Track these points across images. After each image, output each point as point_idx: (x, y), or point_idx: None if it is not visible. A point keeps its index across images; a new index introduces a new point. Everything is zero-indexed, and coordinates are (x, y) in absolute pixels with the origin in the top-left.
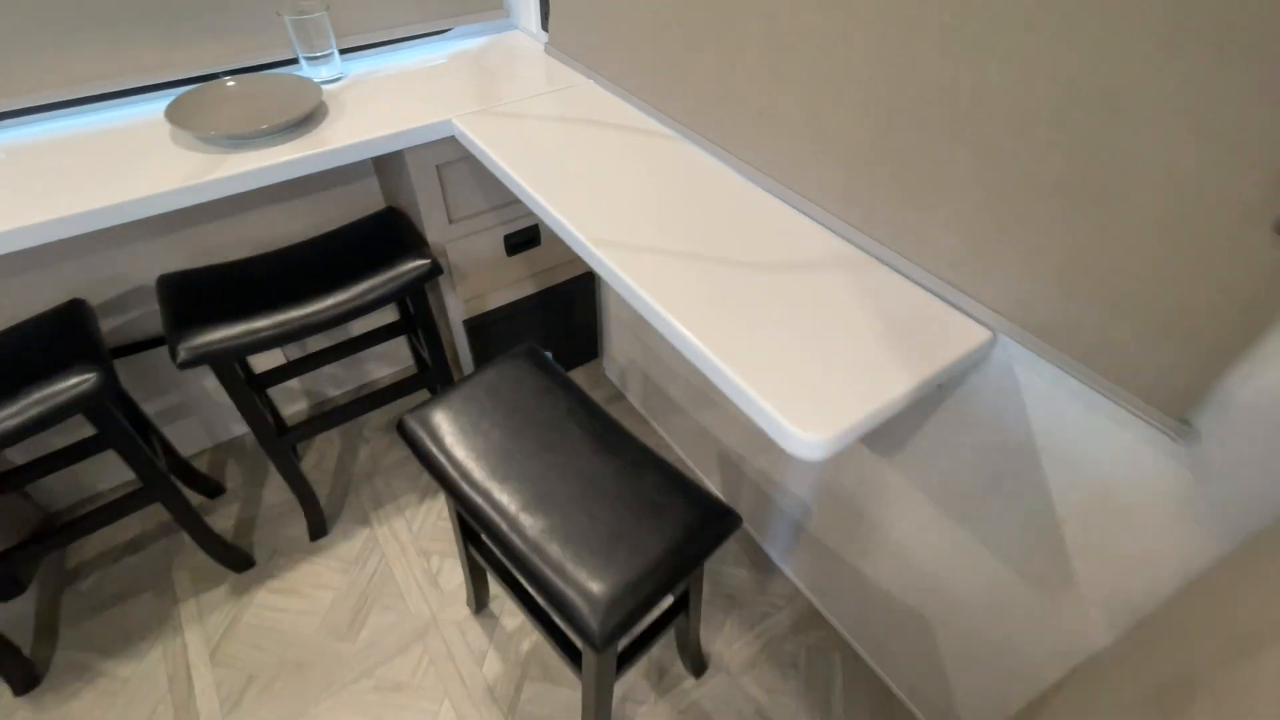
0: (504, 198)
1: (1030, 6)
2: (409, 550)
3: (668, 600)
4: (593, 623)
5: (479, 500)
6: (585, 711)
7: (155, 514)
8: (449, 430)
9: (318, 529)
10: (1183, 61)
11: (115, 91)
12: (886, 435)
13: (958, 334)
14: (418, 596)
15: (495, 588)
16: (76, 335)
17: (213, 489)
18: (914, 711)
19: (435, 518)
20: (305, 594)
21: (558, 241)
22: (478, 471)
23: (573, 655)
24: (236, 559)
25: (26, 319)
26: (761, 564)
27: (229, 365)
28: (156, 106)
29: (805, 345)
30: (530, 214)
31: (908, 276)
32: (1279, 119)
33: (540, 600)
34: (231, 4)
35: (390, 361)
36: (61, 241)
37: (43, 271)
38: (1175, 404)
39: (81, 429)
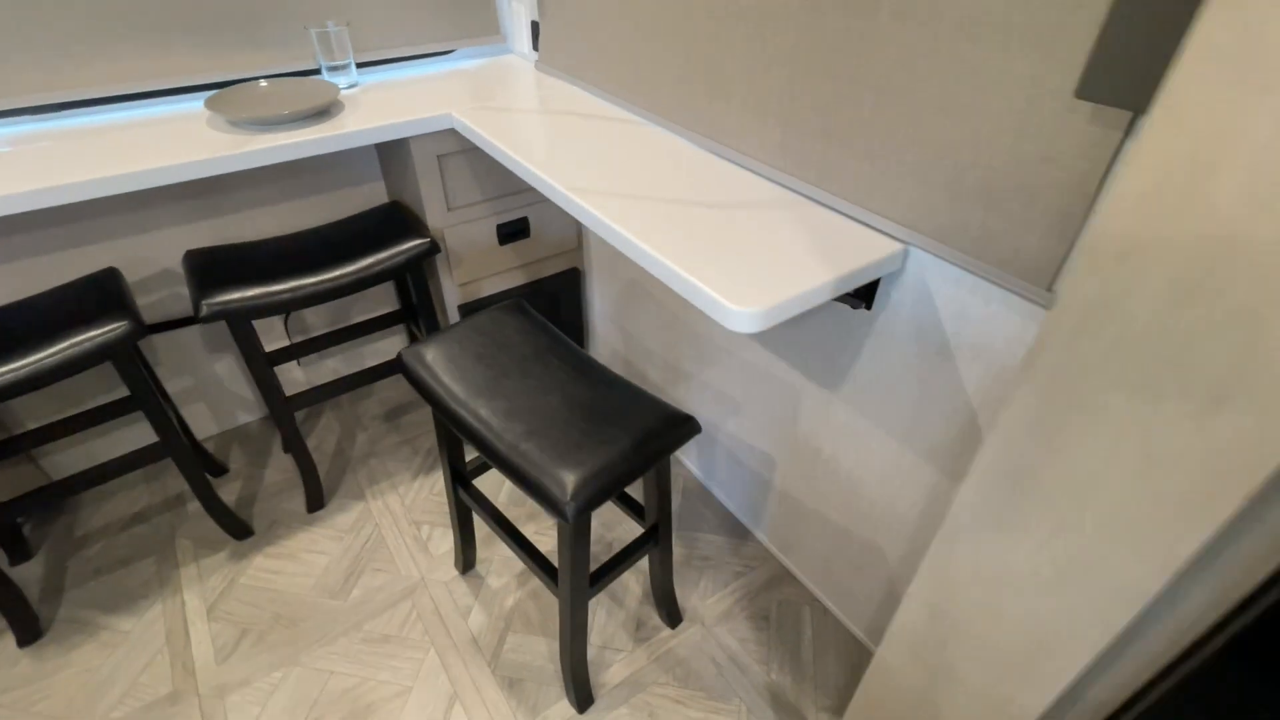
0: (498, 190)
1: None
2: (401, 520)
3: (638, 532)
4: (565, 496)
5: (464, 413)
6: (561, 605)
7: (161, 488)
8: (439, 359)
9: (315, 501)
10: None
11: (164, 90)
12: (830, 368)
13: (874, 245)
14: (408, 560)
15: (483, 551)
16: (111, 295)
17: (217, 469)
18: (875, 651)
19: (427, 492)
20: (301, 559)
21: (546, 234)
22: (463, 391)
23: (551, 574)
24: (237, 526)
25: (68, 281)
26: (736, 531)
27: (246, 325)
28: (197, 104)
29: (744, 254)
30: (521, 206)
31: (835, 210)
32: (1065, 24)
33: (520, 488)
34: (265, 19)
35: (388, 355)
36: (100, 222)
37: (81, 249)
38: (1044, 276)
39: (105, 393)
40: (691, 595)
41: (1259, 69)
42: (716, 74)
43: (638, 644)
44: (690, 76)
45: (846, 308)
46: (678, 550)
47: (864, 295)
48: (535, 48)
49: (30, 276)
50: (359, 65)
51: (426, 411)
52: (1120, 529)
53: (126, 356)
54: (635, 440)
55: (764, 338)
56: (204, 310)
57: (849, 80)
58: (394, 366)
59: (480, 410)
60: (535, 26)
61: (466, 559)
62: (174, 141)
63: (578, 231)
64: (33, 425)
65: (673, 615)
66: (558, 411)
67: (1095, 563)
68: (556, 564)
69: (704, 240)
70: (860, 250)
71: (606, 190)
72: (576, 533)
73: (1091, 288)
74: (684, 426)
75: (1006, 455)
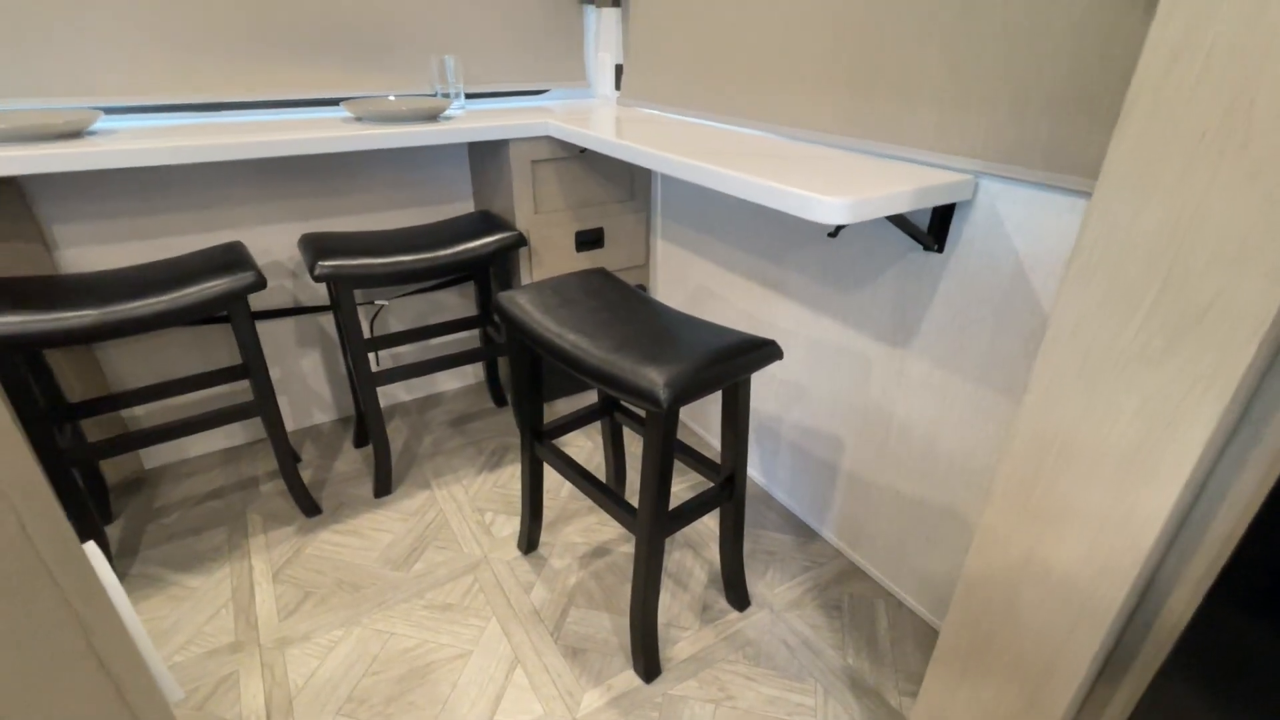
0: (579, 200)
1: None
2: (465, 508)
3: (711, 492)
4: (658, 387)
5: (555, 339)
6: (639, 540)
7: (236, 472)
8: (531, 301)
9: (383, 487)
10: None
11: (310, 100)
12: (902, 324)
13: (946, 179)
14: (471, 540)
15: (546, 535)
16: (238, 258)
17: (293, 457)
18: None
19: (491, 485)
20: (365, 535)
21: (618, 247)
22: (554, 323)
23: (630, 513)
24: (307, 503)
25: (202, 249)
26: (801, 530)
27: (349, 292)
28: (338, 112)
29: (830, 177)
30: (598, 217)
31: (910, 160)
32: None
33: (613, 391)
34: (396, 48)
35: (458, 376)
36: (229, 211)
37: (212, 233)
38: None
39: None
40: (759, 584)
41: None
42: (785, 65)
43: (704, 624)
44: (762, 77)
45: (919, 254)
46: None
47: (937, 237)
48: (618, 87)
49: (168, 251)
50: (467, 95)
51: (491, 419)
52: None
53: (244, 310)
54: (718, 353)
55: (833, 307)
56: (318, 271)
57: (915, 38)
58: (477, 352)
59: (569, 335)
60: (619, 69)
61: (531, 538)
62: (314, 130)
63: (646, 247)
64: (134, 385)
65: (741, 597)
66: (643, 335)
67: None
68: (635, 505)
69: (793, 171)
70: (933, 181)
71: (704, 154)
72: (667, 425)
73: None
74: (766, 348)
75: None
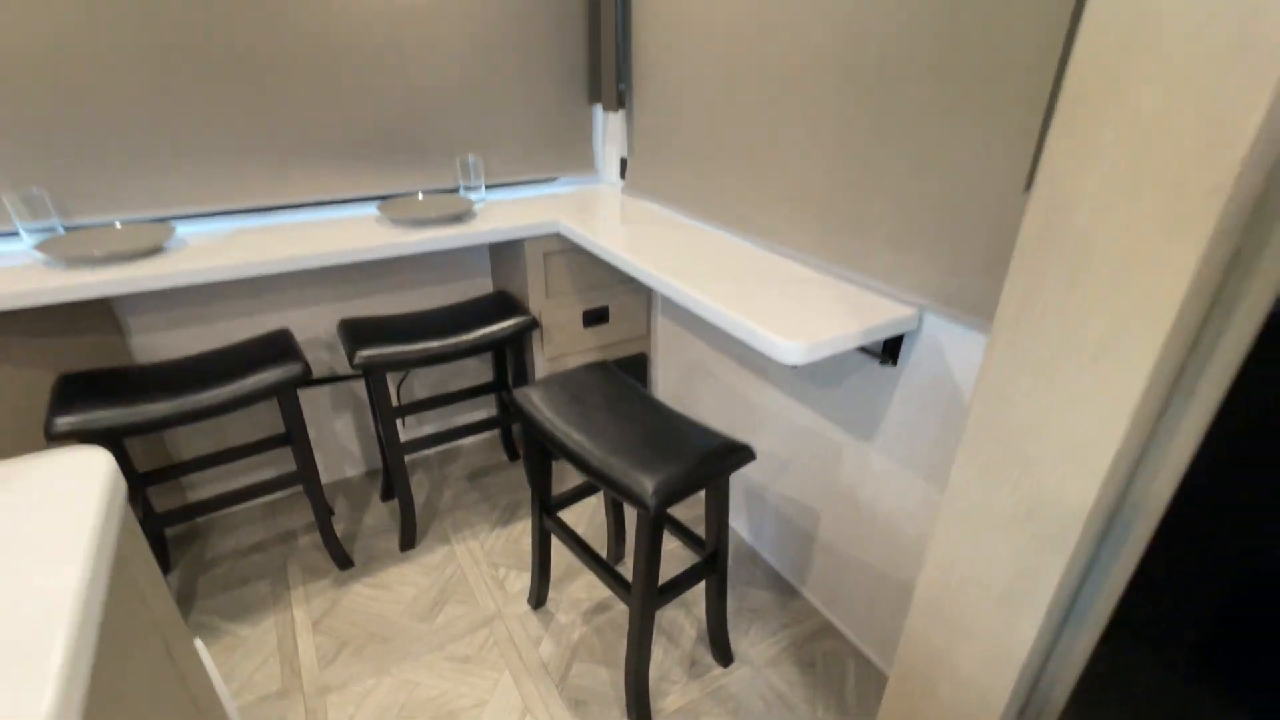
0: (586, 284)
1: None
2: (481, 563)
3: (696, 563)
4: (647, 493)
5: (562, 437)
6: (631, 613)
7: (276, 526)
8: (543, 398)
9: (408, 541)
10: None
11: (348, 199)
12: (866, 421)
13: (894, 310)
14: (486, 595)
15: (554, 592)
16: (286, 347)
17: (327, 510)
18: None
19: (504, 541)
20: (393, 589)
21: (621, 322)
22: (561, 421)
23: (624, 586)
24: (341, 557)
25: (253, 336)
26: (784, 588)
27: (381, 376)
28: (371, 208)
29: (792, 311)
30: (603, 297)
31: (866, 287)
32: (984, 138)
33: (609, 490)
34: (424, 150)
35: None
36: (274, 296)
37: (263, 315)
38: None
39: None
40: (742, 641)
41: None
42: (771, 185)
43: (692, 679)
44: (748, 193)
45: (877, 365)
46: (729, 602)
47: (891, 353)
48: (622, 177)
49: (224, 335)
50: (486, 186)
51: (505, 474)
52: (1061, 454)
53: (293, 395)
54: (701, 457)
55: (809, 398)
56: (356, 359)
57: (873, 190)
58: (490, 422)
59: (574, 434)
60: (624, 162)
61: (540, 595)
62: (353, 231)
63: (647, 321)
64: (189, 456)
65: (725, 654)
66: (637, 436)
67: (1049, 487)
68: (630, 578)
69: (761, 301)
70: (883, 313)
71: (684, 271)
72: (655, 525)
73: (1020, 286)
74: (741, 452)
75: (981, 422)
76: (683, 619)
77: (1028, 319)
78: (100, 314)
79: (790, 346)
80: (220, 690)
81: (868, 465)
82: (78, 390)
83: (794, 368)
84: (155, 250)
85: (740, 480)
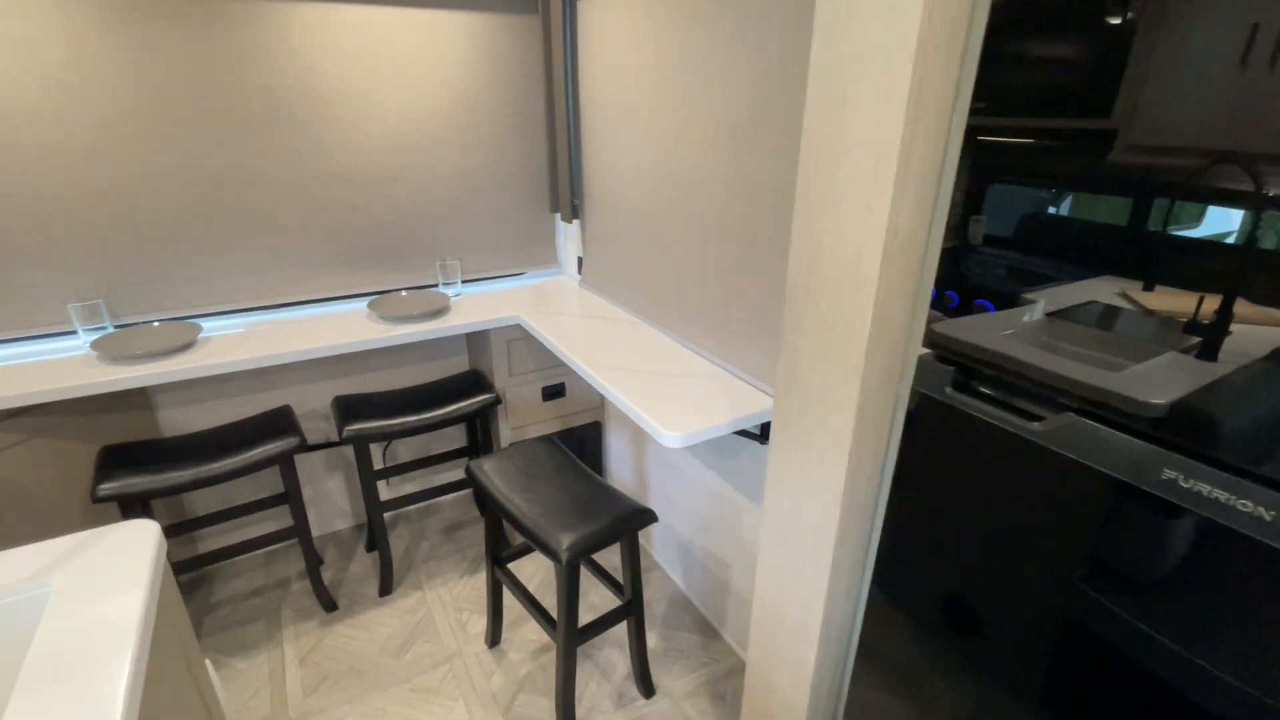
0: (545, 363)
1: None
2: (448, 607)
3: (616, 604)
4: (561, 548)
5: (504, 501)
6: (557, 650)
7: (273, 573)
8: (493, 468)
9: (386, 587)
10: None
11: (336, 296)
12: (755, 487)
13: (760, 402)
14: (449, 635)
15: (507, 633)
16: (286, 423)
17: (317, 560)
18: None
19: (469, 589)
20: (370, 629)
21: (576, 395)
22: (506, 487)
23: (551, 624)
24: (327, 601)
25: (260, 412)
26: (707, 630)
27: (365, 446)
28: (361, 304)
29: (682, 402)
30: (560, 375)
31: (746, 380)
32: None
33: (535, 546)
34: (407, 255)
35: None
36: (278, 375)
37: (269, 393)
38: None
39: (252, 495)
40: (665, 676)
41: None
42: (677, 294)
43: (618, 708)
44: (664, 295)
45: (757, 444)
46: (659, 642)
47: (764, 435)
48: (580, 272)
49: (237, 409)
50: (464, 280)
51: (477, 528)
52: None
53: (291, 463)
54: (611, 520)
55: (718, 467)
56: (345, 433)
57: (739, 301)
58: (463, 482)
59: (514, 498)
60: (580, 260)
61: (494, 635)
62: (343, 325)
63: (599, 396)
64: (203, 512)
65: (647, 687)
66: (565, 502)
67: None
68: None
69: (660, 391)
70: (752, 404)
71: (603, 362)
72: (569, 576)
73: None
74: (644, 515)
75: (772, 503)
76: (616, 657)
77: (785, 436)
78: (136, 394)
79: (671, 436)
80: (223, 703)
81: (750, 519)
82: (116, 460)
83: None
84: (186, 346)
85: (674, 536)
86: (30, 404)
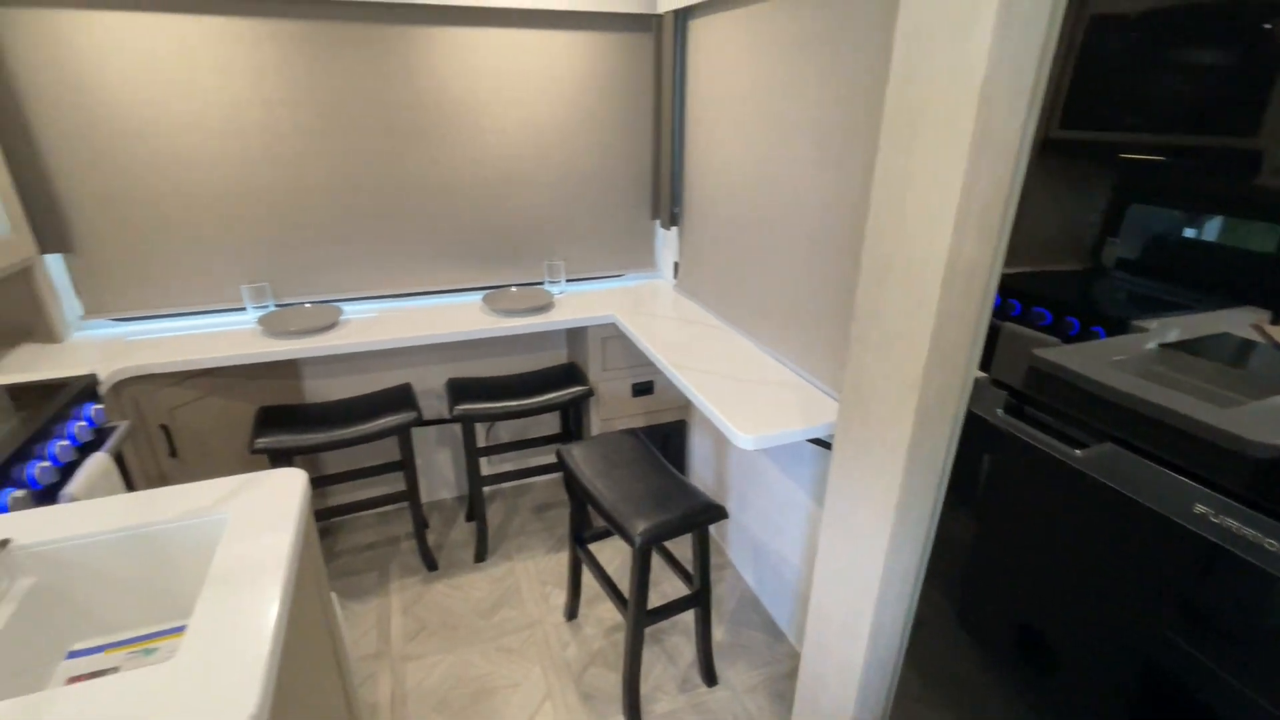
0: (636, 361)
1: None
2: (533, 580)
3: (685, 592)
4: (635, 532)
5: (588, 484)
6: (627, 629)
7: (385, 531)
8: (580, 453)
9: (480, 554)
10: None
11: (455, 289)
12: (823, 485)
13: (834, 411)
14: (533, 604)
15: (584, 609)
16: (406, 398)
17: (423, 523)
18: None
19: (553, 564)
20: (464, 590)
21: (664, 393)
22: (590, 472)
23: (623, 602)
24: (429, 561)
25: (384, 389)
26: (774, 633)
27: (471, 425)
28: (476, 297)
29: (759, 406)
30: (650, 373)
31: (827, 393)
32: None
33: (612, 528)
34: (520, 255)
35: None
36: (402, 356)
37: (393, 370)
38: None
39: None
40: (729, 670)
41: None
42: (768, 304)
43: (681, 692)
44: (752, 303)
45: (828, 451)
46: (726, 636)
47: None
48: (675, 277)
49: (367, 383)
50: (567, 279)
51: (564, 511)
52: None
53: (408, 435)
54: (683, 512)
55: (793, 473)
56: (455, 411)
57: (833, 318)
58: (554, 466)
59: (598, 483)
60: (676, 265)
61: (572, 609)
62: (457, 316)
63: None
64: (331, 470)
65: (710, 676)
66: (642, 491)
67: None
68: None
69: (740, 395)
70: (827, 414)
71: (688, 364)
72: (641, 559)
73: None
74: (715, 510)
75: (832, 510)
76: (683, 645)
77: (847, 445)
78: (288, 364)
79: (745, 438)
80: (344, 633)
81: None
82: (270, 419)
83: (758, 450)
84: (331, 326)
85: (748, 536)
86: (210, 367)
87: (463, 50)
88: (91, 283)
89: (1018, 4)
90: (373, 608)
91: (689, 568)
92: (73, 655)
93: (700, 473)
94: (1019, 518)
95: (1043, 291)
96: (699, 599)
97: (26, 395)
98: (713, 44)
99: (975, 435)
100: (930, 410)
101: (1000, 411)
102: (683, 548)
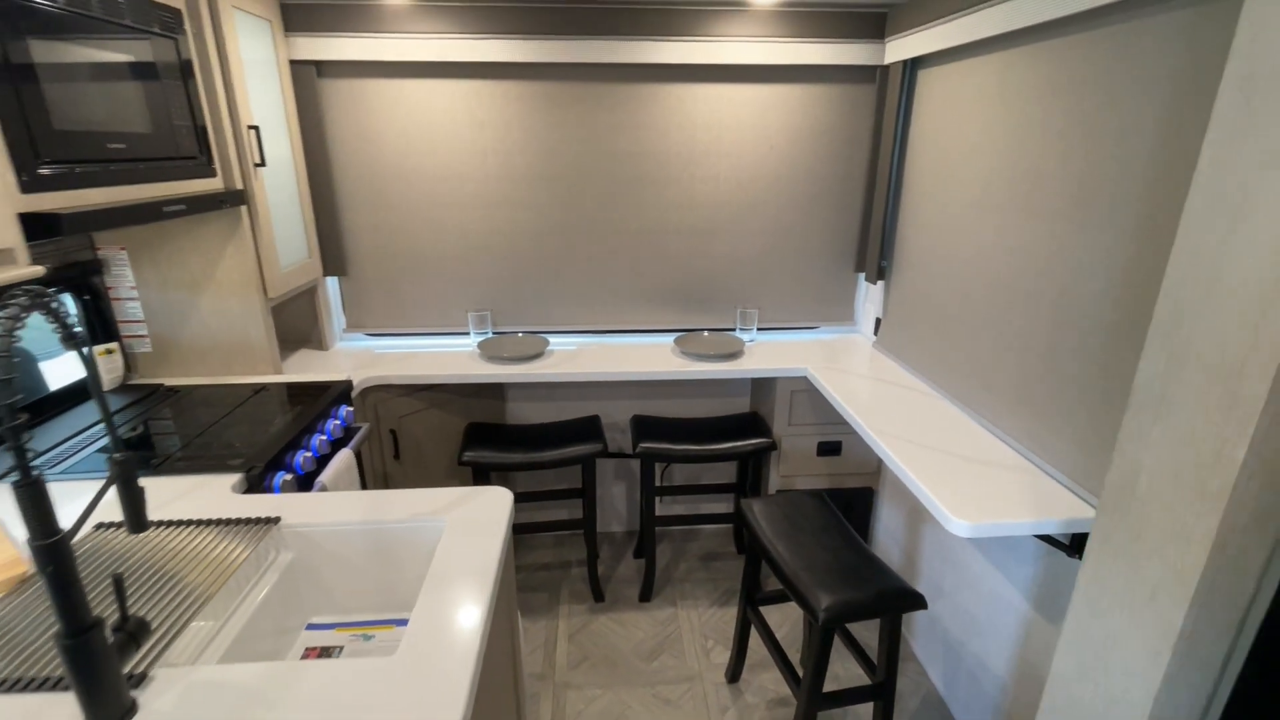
0: (824, 419)
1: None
2: (696, 630)
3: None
4: (820, 606)
5: (769, 545)
6: (799, 698)
7: (559, 555)
8: (762, 510)
9: (646, 594)
10: None
11: (649, 330)
12: (1051, 603)
13: (1074, 510)
14: (694, 657)
15: (748, 674)
16: (595, 429)
17: (595, 555)
18: None
19: (717, 619)
20: (628, 627)
21: (852, 456)
22: (771, 532)
23: (795, 680)
24: (597, 592)
25: (573, 419)
26: None
27: (651, 463)
28: (668, 339)
29: (975, 486)
30: (839, 433)
31: (1059, 480)
32: None
33: (792, 597)
34: (712, 302)
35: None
36: (598, 387)
37: (584, 402)
38: None
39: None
40: None
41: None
42: (988, 376)
43: None
44: (970, 370)
45: (1063, 554)
46: None
47: (1079, 547)
48: (875, 334)
49: (557, 411)
50: (758, 328)
51: (730, 563)
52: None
53: (592, 465)
54: (876, 593)
55: (1005, 567)
56: (639, 449)
57: (1078, 397)
58: (726, 516)
59: (779, 544)
60: (878, 321)
61: (735, 671)
62: (656, 356)
63: (878, 461)
64: (520, 490)
65: None
66: (829, 562)
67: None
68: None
69: (951, 472)
70: (1062, 507)
71: (892, 431)
72: (823, 637)
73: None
74: (913, 598)
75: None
76: None
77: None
78: (497, 386)
79: (960, 523)
80: (523, 648)
81: (1052, 647)
82: (476, 435)
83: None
84: (538, 355)
85: (939, 630)
86: (436, 383)
87: (686, 103)
88: (354, 301)
89: None
90: (542, 628)
91: (869, 653)
92: (311, 627)
93: (886, 548)
94: None
95: None
96: (882, 692)
97: (298, 392)
98: (944, 94)
99: None
100: (1240, 532)
101: None
102: (864, 631)
